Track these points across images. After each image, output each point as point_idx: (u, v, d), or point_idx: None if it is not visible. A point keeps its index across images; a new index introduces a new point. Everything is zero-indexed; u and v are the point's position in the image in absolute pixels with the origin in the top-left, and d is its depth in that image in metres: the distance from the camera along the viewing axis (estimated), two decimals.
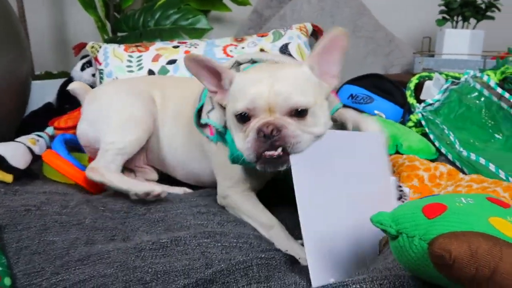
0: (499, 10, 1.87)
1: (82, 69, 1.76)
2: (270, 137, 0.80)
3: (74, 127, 1.43)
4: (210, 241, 0.86)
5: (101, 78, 1.54)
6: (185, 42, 1.59)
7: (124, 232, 0.93)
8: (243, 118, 0.85)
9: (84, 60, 1.79)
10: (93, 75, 1.73)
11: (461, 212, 0.60)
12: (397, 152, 1.27)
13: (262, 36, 1.65)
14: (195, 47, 1.54)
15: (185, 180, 1.20)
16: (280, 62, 0.97)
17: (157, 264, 0.79)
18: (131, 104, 1.14)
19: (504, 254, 0.53)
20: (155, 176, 1.23)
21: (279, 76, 0.85)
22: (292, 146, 0.79)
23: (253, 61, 0.99)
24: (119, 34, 1.97)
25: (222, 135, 0.98)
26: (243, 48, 1.56)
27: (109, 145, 1.11)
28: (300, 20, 1.89)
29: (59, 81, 1.79)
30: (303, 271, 0.77)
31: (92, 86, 1.75)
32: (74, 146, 1.36)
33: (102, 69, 1.54)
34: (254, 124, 0.83)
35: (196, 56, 0.90)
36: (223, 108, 0.95)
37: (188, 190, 1.17)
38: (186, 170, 1.18)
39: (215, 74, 0.91)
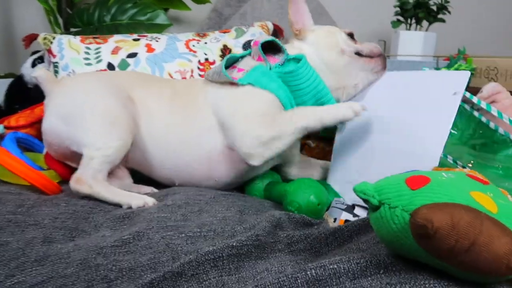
0: (449, 12, 1.96)
1: (33, 65, 1.66)
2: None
3: (27, 125, 1.34)
4: (173, 233, 0.83)
5: (56, 72, 1.45)
6: (145, 36, 1.54)
7: (86, 230, 0.88)
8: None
9: (35, 56, 1.69)
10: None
11: (444, 184, 0.61)
12: None
13: (225, 32, 1.63)
14: (157, 41, 1.50)
15: (168, 178, 1.14)
16: None
17: (121, 261, 0.74)
18: (113, 103, 1.06)
19: (484, 226, 0.54)
20: (130, 181, 1.15)
21: None
22: None
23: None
24: (72, 30, 1.88)
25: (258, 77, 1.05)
26: (205, 43, 1.53)
27: (94, 152, 1.01)
28: (260, 18, 1.89)
29: (7, 81, 1.68)
30: (274, 256, 0.76)
31: None
32: (26, 147, 1.28)
33: (57, 62, 1.45)
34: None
35: None
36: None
37: (155, 190, 1.11)
38: (177, 163, 1.11)
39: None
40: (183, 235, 0.81)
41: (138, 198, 0.98)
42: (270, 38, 1.12)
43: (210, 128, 1.08)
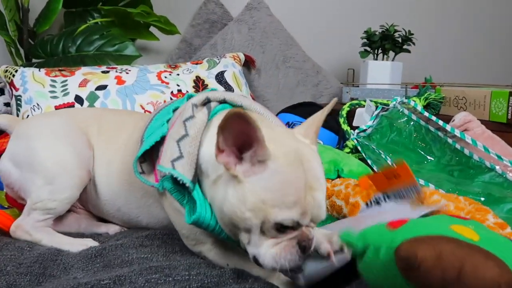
0: (413, 43, 2.02)
1: None
2: (306, 251, 0.72)
3: None
4: (159, 276, 0.76)
5: (19, 105, 1.38)
6: (115, 68, 1.49)
7: (55, 274, 0.81)
8: (285, 228, 0.72)
9: None
10: (6, 104, 1.55)
11: (422, 221, 0.64)
12: (339, 177, 1.27)
13: (197, 63, 1.61)
14: (127, 73, 1.45)
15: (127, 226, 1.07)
16: (258, 112, 0.88)
17: None
18: (65, 153, 0.99)
19: (467, 254, 0.54)
20: (95, 219, 1.09)
21: (316, 174, 0.75)
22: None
23: (224, 101, 0.88)
24: (35, 61, 1.80)
25: (177, 186, 0.81)
26: (178, 74, 1.50)
27: (37, 204, 0.97)
28: (231, 49, 1.88)
29: None
30: None
31: None
32: None
33: (19, 95, 1.37)
34: (295, 235, 0.72)
35: (249, 117, 0.69)
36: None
37: (125, 228, 1.05)
38: (128, 218, 1.04)
39: (244, 137, 0.72)
40: (170, 278, 0.75)
41: (79, 243, 0.95)
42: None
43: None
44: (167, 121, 0.89)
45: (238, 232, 0.74)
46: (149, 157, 0.88)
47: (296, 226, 0.72)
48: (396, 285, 0.58)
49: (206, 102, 0.86)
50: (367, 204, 0.96)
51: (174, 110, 0.92)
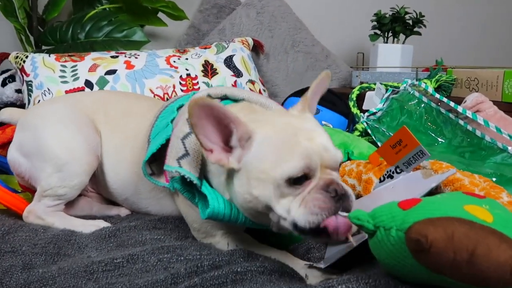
0: (424, 26, 1.99)
1: (3, 84, 1.59)
2: (342, 197, 0.69)
3: (1, 146, 1.27)
4: (171, 255, 0.78)
5: (30, 90, 1.39)
6: (124, 53, 1.49)
7: (69, 253, 0.83)
8: (299, 180, 0.70)
9: (5, 75, 1.62)
10: (17, 91, 1.56)
11: (435, 201, 0.62)
12: (349, 159, 1.27)
13: (205, 48, 1.61)
14: (136, 57, 1.45)
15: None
16: (261, 103, 0.88)
17: (114, 283, 0.69)
18: (71, 139, 0.99)
19: (480, 236, 0.54)
20: (104, 202, 1.10)
21: (309, 127, 0.75)
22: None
23: (225, 97, 0.88)
24: (44, 47, 1.81)
25: (188, 186, 0.81)
26: (186, 59, 1.50)
27: (47, 191, 0.98)
28: (239, 34, 1.87)
29: None
30: (283, 279, 0.71)
31: (15, 103, 1.58)
32: (1, 169, 1.21)
33: (30, 81, 1.38)
34: (316, 183, 0.70)
35: (209, 103, 0.69)
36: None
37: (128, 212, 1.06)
38: (137, 207, 1.05)
39: (222, 127, 0.72)
40: (182, 258, 0.76)
41: (92, 225, 0.96)
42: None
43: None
44: (171, 121, 0.89)
45: (265, 215, 0.74)
46: (159, 157, 0.87)
47: (309, 174, 0.70)
48: (407, 265, 0.58)
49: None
50: (380, 180, 0.96)
51: (179, 109, 0.92)
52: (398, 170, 0.93)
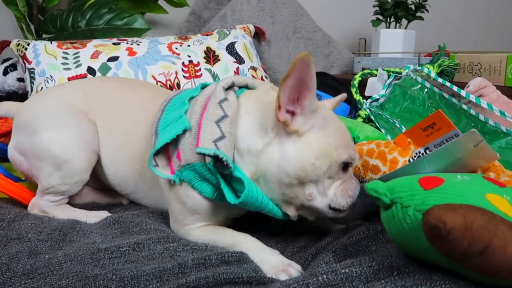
0: (427, 11, 1.98)
1: (5, 73, 1.58)
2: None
3: (2, 135, 1.27)
4: (177, 245, 0.78)
5: (32, 78, 1.38)
6: (125, 40, 1.48)
7: (74, 239, 0.84)
8: (346, 166, 0.80)
9: (6, 64, 1.62)
10: (19, 79, 1.56)
11: (458, 186, 0.60)
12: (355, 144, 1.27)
13: (207, 35, 1.60)
14: (138, 44, 1.45)
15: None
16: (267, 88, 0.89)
17: (121, 270, 0.70)
18: (67, 137, 0.97)
19: (499, 229, 0.53)
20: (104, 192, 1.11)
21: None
22: None
23: (246, 86, 0.88)
24: (45, 36, 1.80)
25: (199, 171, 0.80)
26: (188, 46, 1.50)
27: (49, 189, 0.98)
28: (240, 21, 1.86)
29: None
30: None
31: (17, 91, 1.58)
32: (3, 156, 1.21)
33: (33, 68, 1.38)
34: (350, 172, 0.83)
35: (312, 61, 0.71)
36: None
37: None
38: (139, 202, 1.05)
39: (299, 88, 0.73)
40: (188, 247, 0.77)
41: (95, 216, 0.97)
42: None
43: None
44: (185, 112, 0.85)
45: (300, 190, 0.77)
46: (165, 150, 0.84)
47: (352, 163, 0.81)
48: (419, 245, 0.57)
49: (230, 86, 0.86)
50: (409, 161, 0.95)
51: (189, 100, 0.89)
52: (428, 152, 0.94)
